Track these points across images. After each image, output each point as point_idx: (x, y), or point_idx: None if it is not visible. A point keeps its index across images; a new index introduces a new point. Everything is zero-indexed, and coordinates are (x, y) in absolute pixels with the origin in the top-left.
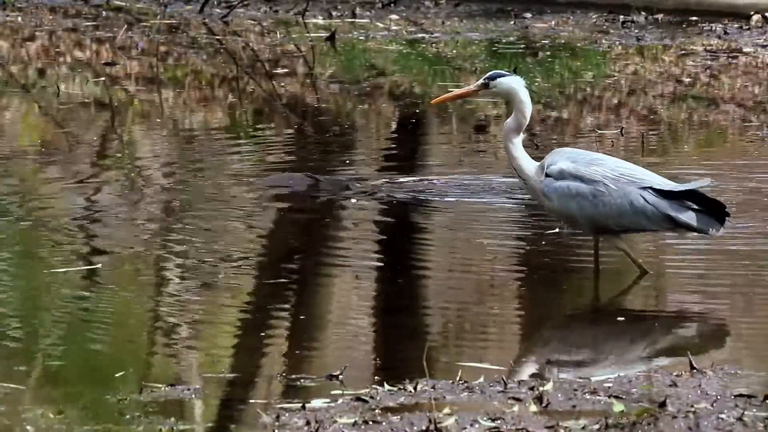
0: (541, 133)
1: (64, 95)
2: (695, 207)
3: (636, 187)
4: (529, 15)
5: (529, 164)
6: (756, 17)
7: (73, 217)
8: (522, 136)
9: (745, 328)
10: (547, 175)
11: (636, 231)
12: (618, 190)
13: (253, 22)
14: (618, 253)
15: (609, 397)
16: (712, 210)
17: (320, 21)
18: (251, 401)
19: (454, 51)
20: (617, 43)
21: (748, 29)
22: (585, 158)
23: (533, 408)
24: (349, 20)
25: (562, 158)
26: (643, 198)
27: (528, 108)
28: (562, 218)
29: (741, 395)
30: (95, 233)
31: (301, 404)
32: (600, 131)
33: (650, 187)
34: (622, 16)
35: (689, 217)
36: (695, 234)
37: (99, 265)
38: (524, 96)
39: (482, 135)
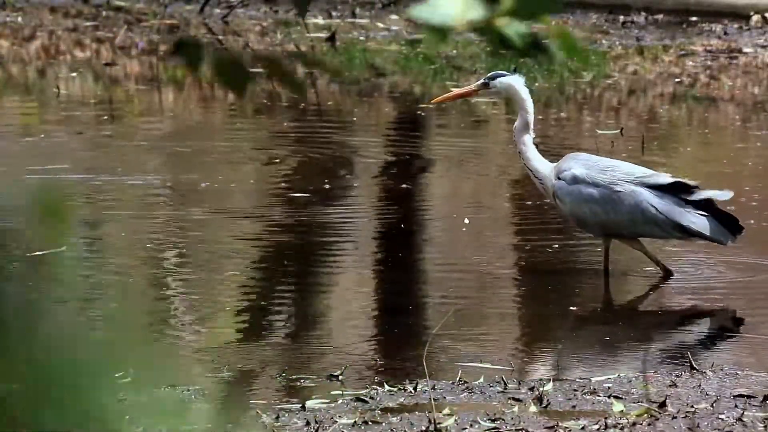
0: (541, 133)
1: (63, 96)
2: (708, 216)
3: (651, 189)
4: None
5: (543, 165)
6: (756, 17)
7: None
8: (532, 135)
9: (745, 329)
10: (560, 179)
11: (647, 237)
12: (630, 198)
13: (253, 22)
14: (622, 255)
15: (609, 397)
16: (726, 221)
17: (320, 21)
18: (251, 401)
19: (454, 51)
20: (617, 43)
21: (748, 29)
22: (599, 164)
23: (533, 408)
24: (349, 20)
25: (577, 164)
26: (654, 207)
27: (530, 104)
28: (574, 221)
29: (740, 395)
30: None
31: (301, 404)
32: (600, 131)
33: (663, 187)
34: (622, 16)
35: (701, 226)
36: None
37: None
38: (525, 93)
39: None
